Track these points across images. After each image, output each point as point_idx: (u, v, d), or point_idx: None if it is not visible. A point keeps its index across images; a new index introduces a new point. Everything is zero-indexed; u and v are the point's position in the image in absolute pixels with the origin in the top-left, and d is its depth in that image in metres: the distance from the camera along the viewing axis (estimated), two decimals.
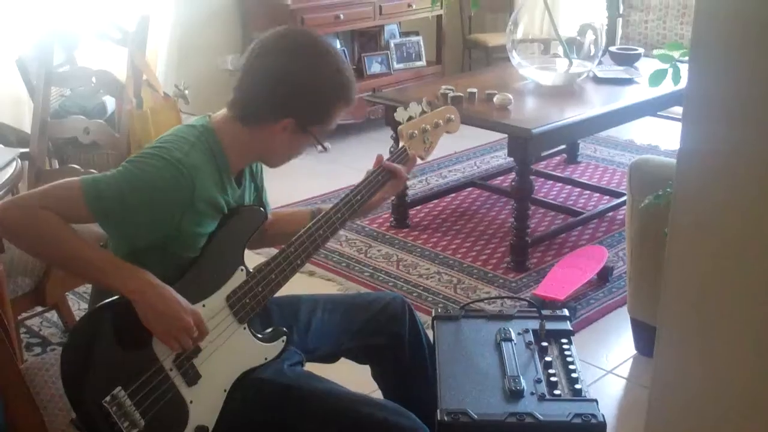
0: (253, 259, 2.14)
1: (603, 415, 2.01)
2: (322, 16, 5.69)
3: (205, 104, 2.16)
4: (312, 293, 2.44)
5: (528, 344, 2.29)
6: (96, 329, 1.89)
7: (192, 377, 1.96)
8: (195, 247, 1.98)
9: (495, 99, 4.11)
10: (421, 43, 6.52)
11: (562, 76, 4.54)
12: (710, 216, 1.73)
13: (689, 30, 2.97)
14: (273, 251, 2.11)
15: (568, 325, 2.38)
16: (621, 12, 6.39)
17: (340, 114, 2.07)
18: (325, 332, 2.32)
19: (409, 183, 4.57)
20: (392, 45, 6.40)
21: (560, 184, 5.17)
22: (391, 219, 4.58)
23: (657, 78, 2.74)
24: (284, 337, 2.12)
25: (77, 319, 2.71)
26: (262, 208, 2.16)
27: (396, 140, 4.36)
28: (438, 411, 2.02)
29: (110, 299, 1.90)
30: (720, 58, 1.65)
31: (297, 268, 2.09)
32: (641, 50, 5.01)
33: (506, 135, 4.06)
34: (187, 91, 4.48)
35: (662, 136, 5.87)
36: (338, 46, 6.18)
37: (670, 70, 2.71)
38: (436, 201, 4.89)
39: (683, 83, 1.81)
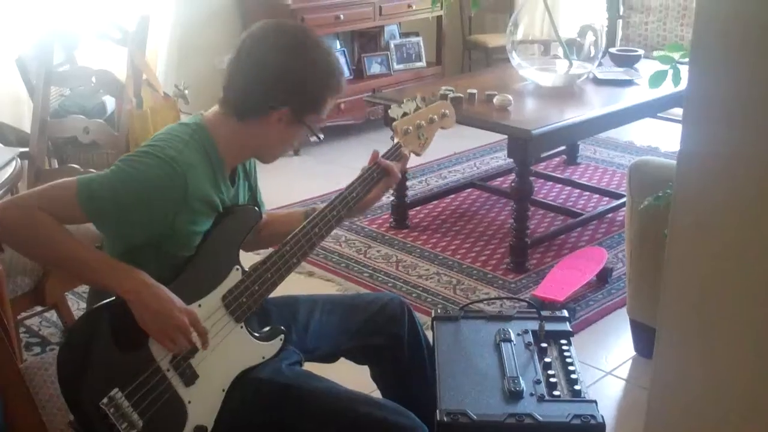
0: (250, 258, 2.14)
1: (602, 416, 2.01)
2: (323, 16, 5.69)
3: (205, 104, 2.15)
4: (311, 294, 2.44)
5: (527, 345, 2.29)
6: (92, 331, 1.89)
7: (189, 377, 1.95)
8: (190, 245, 1.98)
9: (495, 100, 4.11)
10: (421, 44, 6.52)
11: (562, 77, 4.54)
12: (710, 217, 1.73)
13: (689, 31, 2.97)
14: (269, 251, 2.11)
15: (567, 326, 2.38)
16: (621, 13, 6.40)
17: (332, 103, 2.08)
18: (324, 332, 2.32)
19: (408, 183, 4.57)
20: (392, 46, 6.40)
21: (560, 186, 5.17)
22: (391, 220, 4.58)
23: (657, 79, 2.73)
24: (282, 336, 2.12)
25: (76, 319, 2.71)
26: (256, 208, 2.16)
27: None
28: (437, 411, 2.02)
29: (106, 301, 1.89)
30: (720, 60, 1.65)
31: (293, 266, 2.08)
32: (641, 52, 5.01)
33: (506, 136, 4.05)
34: (187, 91, 4.47)
35: (662, 138, 5.88)
36: (338, 46, 6.19)
37: (670, 72, 2.71)
38: (435, 202, 4.89)
39: (683, 85, 1.81)
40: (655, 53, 4.85)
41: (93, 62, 3.87)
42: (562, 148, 5.48)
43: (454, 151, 5.76)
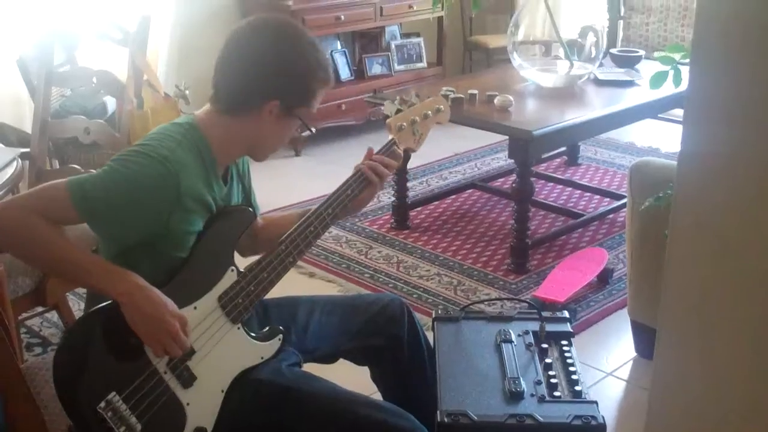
0: (247, 261, 2.14)
1: (603, 417, 2.01)
2: (323, 17, 5.69)
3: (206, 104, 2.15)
4: (311, 295, 2.44)
5: (528, 346, 2.29)
6: (88, 335, 1.89)
7: (187, 379, 1.95)
8: (184, 246, 1.98)
9: (496, 101, 4.12)
10: (422, 45, 6.52)
11: (563, 78, 4.55)
12: (710, 218, 1.73)
13: (690, 32, 2.98)
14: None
15: (568, 327, 2.38)
16: (622, 14, 6.40)
17: (321, 95, 2.08)
18: (324, 333, 2.31)
19: (409, 184, 4.56)
20: (393, 46, 6.40)
21: (561, 186, 5.17)
22: (392, 220, 4.58)
23: (658, 80, 2.73)
24: (280, 336, 2.11)
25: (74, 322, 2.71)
26: (250, 209, 2.16)
27: None
28: (438, 412, 2.02)
29: (101, 305, 1.89)
30: (720, 60, 1.65)
31: (289, 265, 2.08)
32: (642, 52, 5.00)
33: (507, 137, 4.06)
34: (187, 92, 4.48)
35: (663, 139, 5.87)
36: (339, 47, 6.19)
37: (671, 73, 2.71)
38: (436, 203, 4.89)
39: (684, 86, 1.81)
40: (656, 54, 4.85)
41: (94, 63, 3.88)
42: (563, 148, 5.48)
43: (455, 152, 5.76)
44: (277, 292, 2.39)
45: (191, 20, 5.48)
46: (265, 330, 2.13)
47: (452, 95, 4.16)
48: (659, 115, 5.30)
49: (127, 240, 1.95)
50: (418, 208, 4.77)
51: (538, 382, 2.13)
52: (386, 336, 2.32)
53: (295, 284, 3.90)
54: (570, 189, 5.13)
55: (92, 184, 1.88)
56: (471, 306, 2.54)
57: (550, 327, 2.34)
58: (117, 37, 3.84)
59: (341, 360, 2.38)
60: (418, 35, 6.55)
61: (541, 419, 2.00)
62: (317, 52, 2.05)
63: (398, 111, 2.30)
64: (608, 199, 4.88)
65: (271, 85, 1.99)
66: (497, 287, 3.89)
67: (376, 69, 6.24)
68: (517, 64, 4.53)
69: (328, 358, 2.36)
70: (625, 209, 3.49)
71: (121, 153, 1.96)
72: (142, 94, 3.96)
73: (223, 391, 2.01)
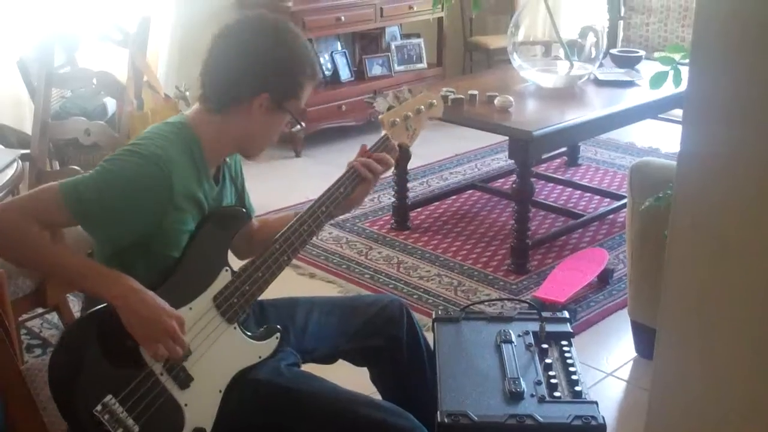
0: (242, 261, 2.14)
1: (603, 417, 2.02)
2: (324, 18, 5.70)
3: None
4: (311, 295, 2.44)
5: (528, 346, 2.29)
6: (82, 339, 1.89)
7: (184, 380, 1.94)
8: (178, 245, 1.98)
9: (496, 101, 4.12)
10: (422, 45, 6.52)
11: (563, 78, 4.55)
12: (710, 218, 1.73)
13: (690, 32, 2.99)
14: None
15: (568, 327, 2.38)
16: (622, 14, 6.40)
17: (309, 89, 2.08)
18: (322, 334, 2.31)
19: (409, 185, 4.56)
20: (393, 47, 6.40)
21: (561, 187, 5.17)
22: (392, 221, 4.58)
23: (658, 80, 2.73)
24: (278, 334, 2.10)
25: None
26: (243, 210, 2.16)
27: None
28: (438, 412, 2.02)
29: (95, 308, 1.89)
30: (720, 61, 1.65)
31: (284, 264, 2.07)
32: (642, 53, 5.00)
33: (507, 137, 4.06)
34: (187, 93, 4.48)
35: (663, 139, 5.88)
36: (339, 48, 6.20)
37: (671, 73, 2.71)
38: (436, 203, 4.89)
39: (684, 86, 1.81)
40: (656, 54, 4.86)
41: (94, 64, 3.89)
42: (563, 149, 5.48)
43: (455, 153, 5.76)
44: (276, 293, 2.39)
45: (191, 21, 5.48)
46: (262, 329, 2.13)
47: (452, 96, 4.17)
48: (659, 116, 5.29)
49: (121, 240, 1.95)
50: (419, 209, 4.77)
51: (538, 383, 2.13)
52: (385, 337, 2.32)
53: (295, 285, 3.92)
54: (570, 189, 5.13)
55: (85, 185, 1.88)
56: (471, 306, 2.54)
57: (550, 327, 2.34)
58: (117, 38, 3.84)
59: (341, 360, 2.38)
60: (418, 36, 6.55)
61: (541, 419, 2.00)
62: (303, 46, 2.05)
63: (390, 107, 2.29)
64: (608, 200, 4.88)
65: (259, 78, 2.00)
66: (497, 288, 3.89)
67: (377, 70, 6.25)
68: (518, 64, 4.53)
69: (327, 359, 2.36)
70: (625, 209, 3.49)
71: (113, 153, 1.96)
72: (143, 96, 3.95)
73: (221, 392, 2.01)
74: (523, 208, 4.00)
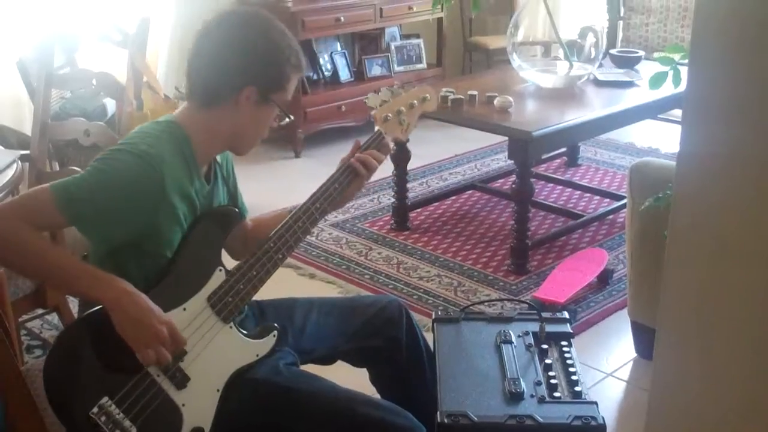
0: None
1: (603, 418, 2.02)
2: (323, 18, 5.70)
3: None
4: (311, 296, 2.44)
5: (528, 346, 2.29)
6: (77, 341, 1.89)
7: (181, 380, 1.94)
8: (171, 244, 1.98)
9: (495, 101, 4.12)
10: (422, 46, 6.52)
11: (563, 78, 4.55)
12: (709, 218, 1.73)
13: (690, 33, 2.97)
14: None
15: (568, 328, 2.38)
16: (622, 15, 6.40)
17: (295, 80, 2.08)
18: (321, 334, 2.31)
19: (409, 185, 4.56)
20: (393, 47, 6.40)
21: (561, 187, 5.17)
22: (392, 221, 4.58)
23: (657, 81, 2.73)
24: (275, 332, 2.10)
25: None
26: (236, 209, 2.16)
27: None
28: (438, 413, 2.02)
29: (88, 311, 1.90)
30: (719, 61, 1.65)
31: (279, 262, 2.07)
32: (642, 53, 5.00)
33: (507, 137, 4.06)
34: None
35: (663, 139, 5.88)
36: (339, 48, 6.20)
37: (671, 73, 2.71)
38: (436, 204, 4.89)
39: (683, 86, 1.81)
40: (656, 54, 4.86)
41: (93, 65, 3.88)
42: (563, 149, 5.48)
43: (454, 153, 5.76)
44: (276, 293, 2.39)
45: (191, 22, 5.46)
46: (258, 328, 2.12)
47: (452, 96, 4.17)
48: (659, 116, 5.29)
49: (114, 240, 1.95)
50: (418, 209, 4.77)
51: (538, 383, 2.13)
52: (384, 338, 2.32)
53: (295, 286, 3.92)
54: (570, 190, 5.13)
55: (77, 186, 1.88)
56: (471, 307, 2.54)
57: (550, 328, 2.34)
58: (117, 39, 3.83)
59: (340, 361, 2.38)
60: (417, 36, 6.56)
61: (541, 420, 2.00)
62: (287, 38, 2.06)
63: (383, 103, 2.29)
64: (608, 200, 4.88)
65: (245, 71, 2.00)
66: (497, 288, 3.89)
67: (376, 70, 6.24)
68: (517, 65, 4.53)
69: (326, 360, 2.35)
70: (624, 210, 3.49)
71: (102, 153, 1.96)
72: (142, 96, 3.96)
73: (218, 391, 2.00)
74: (522, 208, 4.00)
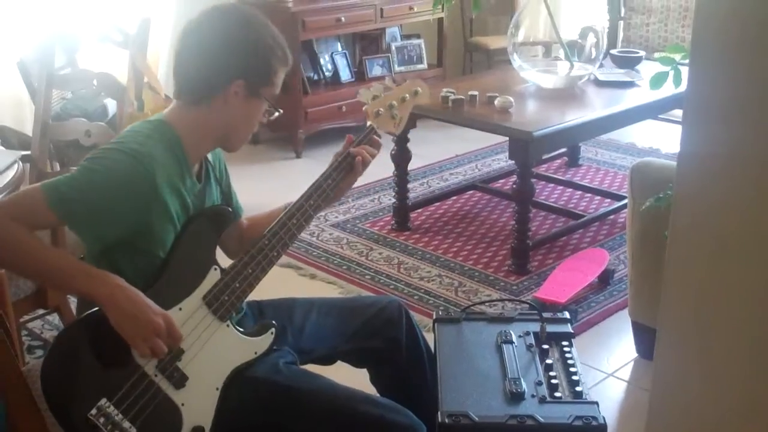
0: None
1: (604, 418, 2.02)
2: (324, 18, 5.70)
3: None
4: (311, 296, 2.44)
5: (529, 347, 2.29)
6: (74, 344, 1.89)
7: (179, 380, 1.94)
8: (163, 243, 1.98)
9: (496, 102, 4.12)
10: (423, 46, 6.52)
11: (564, 79, 4.55)
12: (710, 218, 1.73)
13: (691, 33, 2.97)
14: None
15: (569, 328, 2.38)
16: (622, 15, 6.40)
17: (282, 74, 2.08)
18: (320, 335, 2.31)
19: (410, 186, 4.56)
20: (393, 48, 6.40)
21: (561, 187, 5.17)
22: (393, 222, 4.58)
23: (658, 81, 2.74)
24: (272, 330, 2.09)
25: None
26: (229, 208, 2.16)
27: (403, 140, 4.36)
28: (439, 413, 2.02)
29: (84, 314, 1.90)
30: (719, 61, 1.66)
31: (274, 259, 2.07)
32: (642, 53, 5.00)
33: (507, 138, 4.06)
34: None
35: (663, 139, 5.88)
36: (339, 49, 6.20)
37: (671, 73, 2.71)
38: (437, 204, 4.89)
39: (684, 86, 1.81)
40: (656, 55, 4.85)
41: (94, 65, 3.88)
42: (564, 149, 5.48)
43: (455, 153, 5.76)
44: (277, 293, 2.39)
45: None
46: (255, 326, 2.12)
47: (453, 96, 4.17)
48: (660, 116, 5.29)
49: (106, 238, 1.95)
50: (419, 210, 4.77)
51: (539, 383, 2.13)
52: (383, 338, 2.32)
53: (295, 286, 3.92)
54: (571, 190, 5.13)
55: (68, 185, 1.88)
56: (472, 307, 2.54)
57: (550, 328, 2.34)
58: (117, 39, 3.84)
59: (341, 361, 2.38)
60: (418, 37, 6.56)
61: (541, 420, 2.00)
62: (272, 32, 2.06)
63: (375, 98, 2.29)
64: (609, 200, 4.88)
65: (231, 65, 2.00)
66: (498, 288, 3.89)
67: (377, 70, 6.24)
68: (518, 65, 4.53)
69: (325, 360, 2.35)
70: (625, 210, 3.49)
71: (93, 152, 1.96)
72: (143, 97, 3.95)
73: (218, 389, 2.00)
74: (523, 208, 4.00)
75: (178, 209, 2.00)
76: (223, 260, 2.09)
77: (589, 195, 5.03)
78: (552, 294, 3.63)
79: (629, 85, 4.56)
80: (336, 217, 4.70)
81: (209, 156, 2.17)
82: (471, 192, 5.07)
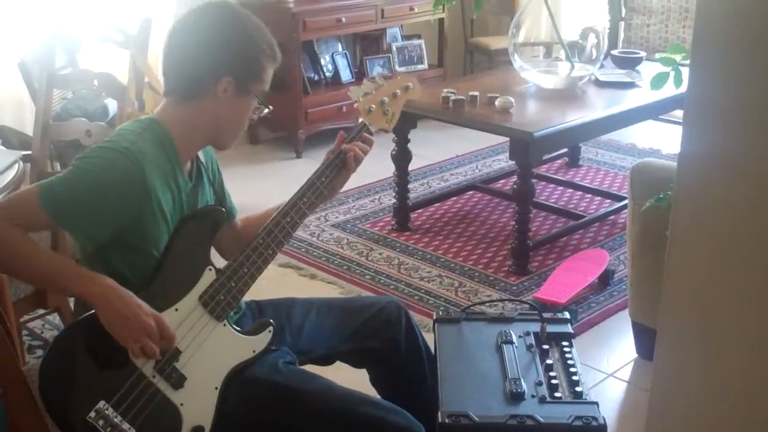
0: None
1: (604, 418, 2.02)
2: (325, 19, 5.70)
3: None
4: (310, 296, 2.44)
5: (529, 347, 2.29)
6: (71, 347, 1.89)
7: (177, 380, 1.94)
8: (156, 242, 1.98)
9: (497, 102, 4.12)
10: (423, 47, 6.52)
11: (564, 79, 4.55)
12: (710, 219, 1.73)
13: (691, 33, 2.96)
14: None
15: (569, 328, 2.38)
16: (623, 15, 6.40)
17: (270, 70, 2.08)
18: (318, 335, 2.31)
19: (410, 186, 4.56)
20: (394, 48, 6.40)
21: (562, 188, 5.17)
22: (393, 222, 4.58)
23: (659, 81, 2.74)
24: (270, 328, 2.09)
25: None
26: (221, 208, 2.16)
27: (403, 140, 4.36)
28: (439, 413, 2.02)
29: (80, 317, 1.90)
30: (720, 61, 1.66)
31: (269, 258, 2.07)
32: (643, 54, 5.00)
33: (508, 138, 4.06)
34: None
35: (664, 140, 5.88)
36: (340, 49, 6.20)
37: (672, 74, 2.71)
38: (437, 204, 4.89)
39: (685, 87, 1.81)
40: (657, 55, 4.85)
41: (95, 65, 3.88)
42: (564, 150, 5.48)
43: (456, 154, 5.77)
44: (277, 293, 2.39)
45: None
46: (253, 324, 2.12)
47: (453, 97, 4.17)
48: (660, 117, 5.30)
49: (99, 237, 1.95)
50: (419, 210, 4.77)
51: (539, 383, 2.13)
52: (382, 339, 2.32)
53: (296, 286, 3.92)
54: (571, 190, 5.13)
55: (60, 185, 1.89)
56: (472, 307, 2.54)
57: (551, 328, 2.34)
58: (118, 39, 3.84)
59: (340, 361, 2.38)
60: (419, 37, 6.56)
61: (541, 420, 2.00)
62: (260, 29, 2.06)
63: (366, 94, 2.29)
64: (609, 201, 4.88)
65: (220, 61, 2.00)
66: (498, 289, 3.89)
67: (377, 71, 6.24)
68: (518, 65, 4.53)
69: (323, 360, 2.35)
70: (625, 211, 3.49)
71: (84, 152, 1.97)
72: (144, 97, 3.95)
73: (216, 389, 2.00)
74: (523, 209, 4.01)
75: (170, 207, 2.00)
76: (219, 262, 2.09)
77: (589, 195, 5.03)
78: (552, 294, 3.63)
79: (630, 85, 4.56)
80: (336, 217, 4.70)
81: (201, 156, 2.17)
82: (471, 192, 5.07)
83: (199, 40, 2.02)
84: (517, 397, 2.07)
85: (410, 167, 4.50)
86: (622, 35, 6.45)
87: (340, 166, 2.19)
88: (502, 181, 5.21)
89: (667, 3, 6.18)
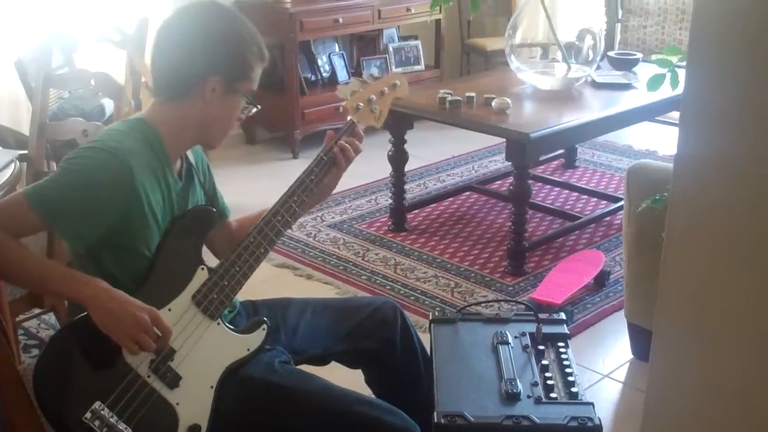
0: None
1: (599, 419, 2.02)
2: (321, 19, 5.70)
3: None
4: (307, 296, 2.44)
5: (525, 347, 2.29)
6: (65, 349, 1.89)
7: (172, 380, 1.94)
8: (147, 241, 1.98)
9: (493, 103, 4.12)
10: (420, 47, 6.53)
11: (561, 80, 4.55)
12: (706, 220, 1.73)
13: (688, 35, 2.97)
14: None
15: (564, 329, 2.38)
16: (620, 17, 6.41)
17: (259, 69, 2.08)
18: (313, 335, 2.31)
19: (407, 186, 4.56)
20: (391, 49, 6.40)
21: (558, 189, 5.18)
22: (389, 223, 4.58)
23: (655, 83, 2.74)
24: (264, 326, 2.09)
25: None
26: (212, 208, 2.16)
27: (400, 141, 4.36)
28: (435, 413, 2.03)
29: (73, 319, 1.90)
30: (716, 63, 1.66)
31: (261, 256, 2.07)
32: (639, 55, 5.01)
33: (504, 139, 4.06)
34: None
35: (660, 141, 5.88)
36: (337, 49, 6.20)
37: (668, 75, 2.71)
38: (434, 205, 4.89)
39: (681, 88, 1.81)
40: (654, 57, 4.86)
41: (92, 65, 3.88)
42: (561, 151, 5.48)
43: (452, 155, 5.77)
44: (273, 293, 2.39)
45: None
46: (247, 323, 2.12)
47: (450, 98, 4.17)
48: (657, 118, 5.30)
49: (89, 237, 1.95)
50: (416, 211, 4.77)
51: (535, 384, 2.13)
52: (378, 339, 2.32)
53: (292, 286, 3.92)
54: (567, 191, 5.13)
55: (48, 187, 1.90)
56: (468, 308, 2.54)
57: (546, 329, 2.35)
58: (115, 39, 3.83)
59: (335, 362, 2.38)
60: (416, 38, 6.56)
61: (537, 420, 2.00)
62: (248, 27, 2.06)
63: (354, 92, 2.30)
64: (605, 202, 4.88)
65: (208, 60, 2.00)
66: (494, 289, 3.90)
67: (374, 71, 6.24)
68: (515, 66, 4.54)
69: (318, 360, 2.34)
70: (622, 212, 3.50)
71: (72, 152, 1.97)
72: (141, 97, 3.95)
73: (212, 387, 2.00)
74: (520, 209, 4.01)
75: (160, 206, 2.00)
76: (213, 262, 2.09)
77: (585, 197, 5.04)
78: (548, 295, 3.63)
79: (626, 87, 4.56)
80: (333, 217, 4.70)
81: (191, 157, 2.17)
82: (468, 193, 5.08)
83: (187, 39, 2.02)
84: (512, 397, 2.08)
85: (407, 168, 4.50)
86: (618, 37, 6.46)
87: (330, 164, 2.19)
88: (499, 182, 5.22)
89: (663, 4, 6.19)
